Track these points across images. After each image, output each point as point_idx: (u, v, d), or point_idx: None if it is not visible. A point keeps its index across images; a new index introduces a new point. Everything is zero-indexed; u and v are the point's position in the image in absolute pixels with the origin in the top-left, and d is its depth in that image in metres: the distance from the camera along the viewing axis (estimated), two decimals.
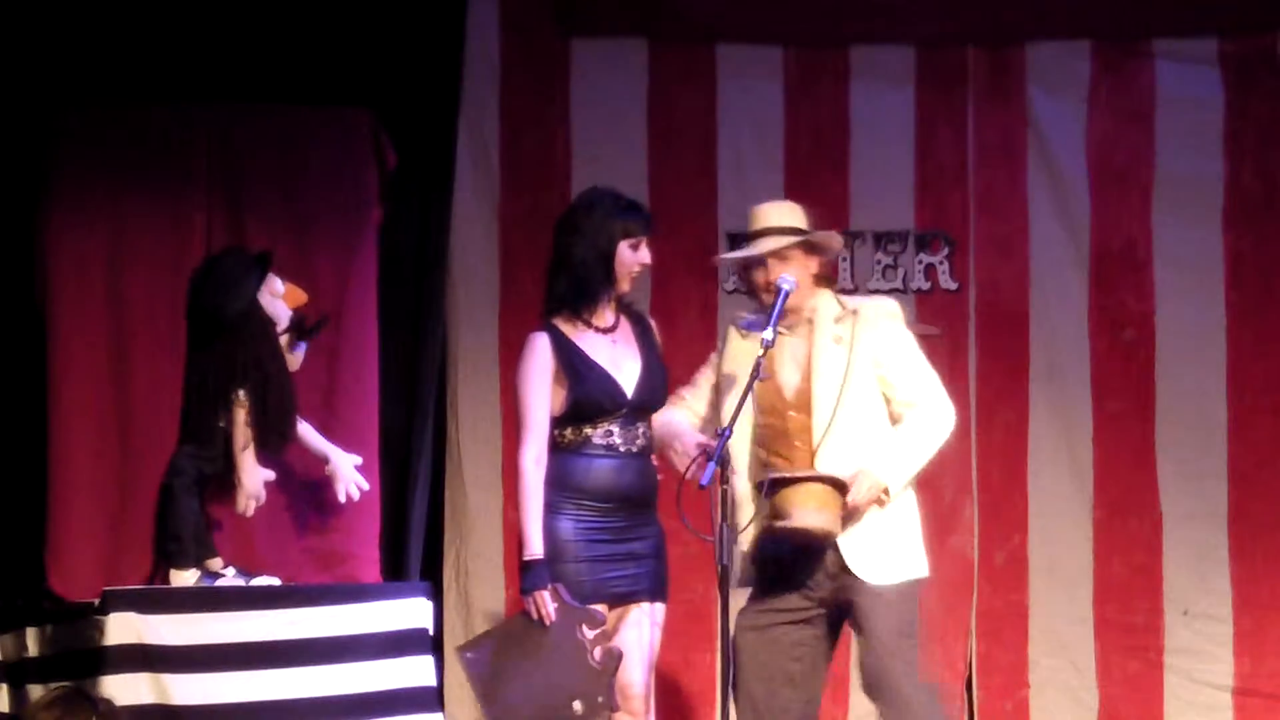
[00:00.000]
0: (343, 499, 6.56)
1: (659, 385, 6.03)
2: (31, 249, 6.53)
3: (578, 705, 5.82)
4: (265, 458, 6.39)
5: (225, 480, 6.34)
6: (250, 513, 6.38)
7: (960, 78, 7.84)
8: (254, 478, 6.35)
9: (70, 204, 6.50)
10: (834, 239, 6.07)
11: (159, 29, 7.01)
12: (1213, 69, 7.82)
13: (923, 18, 7.83)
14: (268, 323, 6.37)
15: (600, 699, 5.83)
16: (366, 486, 6.61)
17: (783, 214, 6.04)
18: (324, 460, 6.56)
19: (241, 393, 6.30)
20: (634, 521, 5.94)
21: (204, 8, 7.09)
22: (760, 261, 5.98)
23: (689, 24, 7.83)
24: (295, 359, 6.45)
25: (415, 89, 7.51)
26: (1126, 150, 7.83)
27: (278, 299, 6.41)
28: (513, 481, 5.94)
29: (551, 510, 5.87)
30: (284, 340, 6.41)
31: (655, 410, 6.03)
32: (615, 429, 5.93)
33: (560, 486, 5.88)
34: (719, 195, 7.80)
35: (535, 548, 5.83)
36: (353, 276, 6.88)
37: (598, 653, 5.82)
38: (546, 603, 5.81)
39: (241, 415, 6.31)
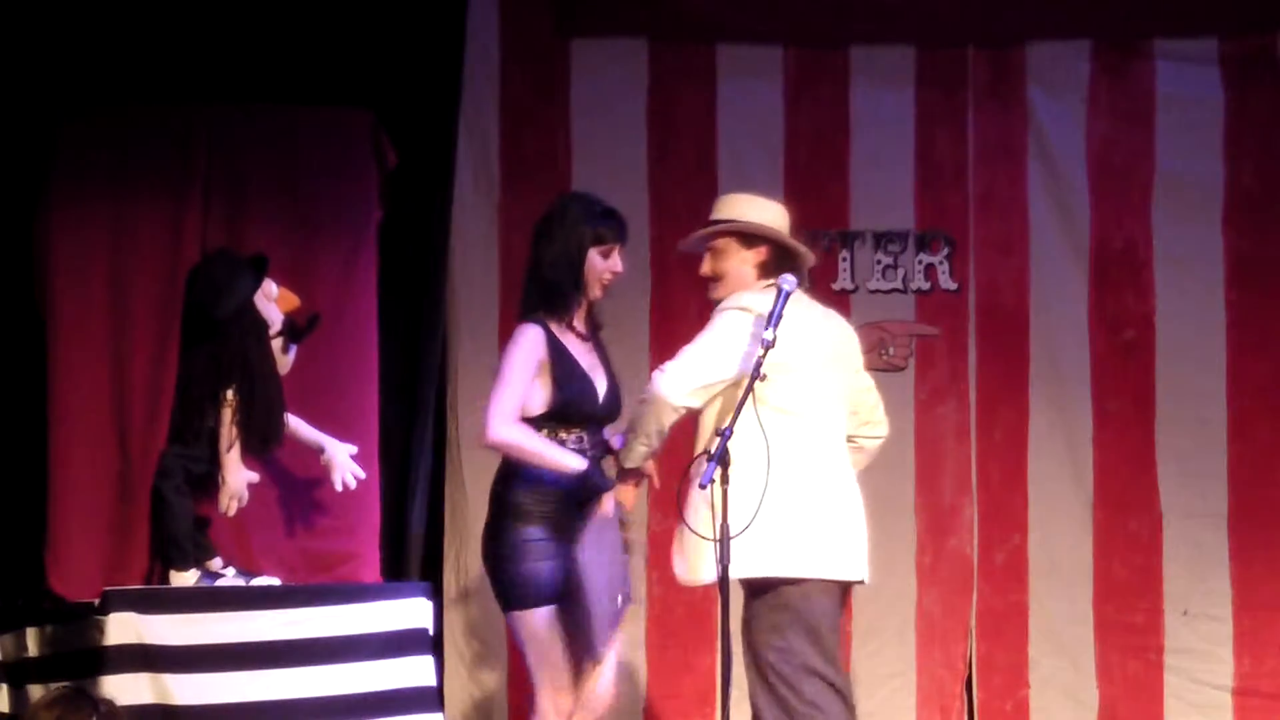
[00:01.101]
0: (339, 488, 6.53)
1: (618, 397, 6.02)
2: (31, 249, 6.53)
3: (620, 599, 5.84)
4: (254, 458, 6.39)
5: (210, 480, 6.34)
6: (232, 512, 6.37)
7: (960, 78, 7.83)
8: (238, 478, 6.34)
9: (70, 205, 6.49)
10: (763, 229, 5.85)
11: (159, 30, 7.01)
12: (1213, 69, 7.81)
13: (923, 18, 7.82)
14: (260, 324, 6.36)
15: (629, 592, 5.90)
16: (363, 475, 6.58)
17: (724, 206, 5.97)
18: (319, 450, 6.55)
19: (229, 393, 6.30)
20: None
21: (204, 9, 7.10)
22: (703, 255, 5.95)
23: (689, 24, 7.83)
24: (286, 362, 6.45)
25: (415, 89, 7.51)
26: (1126, 150, 7.83)
27: (271, 302, 6.41)
28: None
29: (521, 514, 5.84)
30: (277, 344, 6.41)
31: (611, 422, 6.02)
32: (586, 436, 5.92)
33: (532, 490, 5.86)
34: (719, 195, 7.76)
35: (574, 461, 5.81)
36: (353, 277, 6.87)
37: (631, 548, 5.94)
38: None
39: (228, 415, 6.31)
